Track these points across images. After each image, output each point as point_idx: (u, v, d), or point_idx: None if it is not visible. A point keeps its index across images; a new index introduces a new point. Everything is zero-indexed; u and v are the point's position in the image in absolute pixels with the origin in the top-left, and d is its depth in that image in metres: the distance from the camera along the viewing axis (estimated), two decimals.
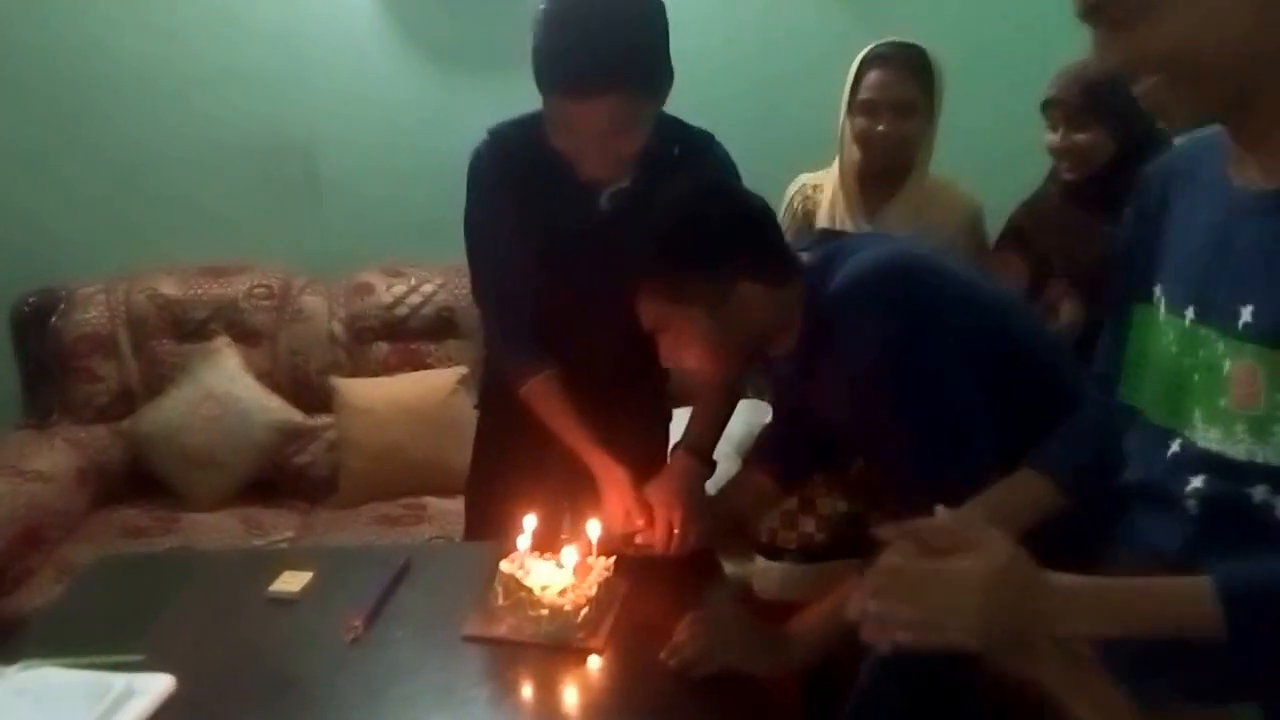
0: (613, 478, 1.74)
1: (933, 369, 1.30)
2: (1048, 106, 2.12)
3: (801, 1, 3.11)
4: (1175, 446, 1.02)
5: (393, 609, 1.62)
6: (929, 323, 1.30)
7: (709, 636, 1.42)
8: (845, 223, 2.29)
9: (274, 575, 1.68)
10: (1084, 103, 2.05)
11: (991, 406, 1.32)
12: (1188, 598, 0.91)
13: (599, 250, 1.66)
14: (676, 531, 1.67)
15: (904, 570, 0.95)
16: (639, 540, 1.68)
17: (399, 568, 1.72)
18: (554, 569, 1.55)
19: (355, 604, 1.59)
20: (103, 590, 1.77)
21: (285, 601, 1.64)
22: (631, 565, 1.64)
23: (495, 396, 1.98)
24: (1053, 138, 2.13)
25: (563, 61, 1.49)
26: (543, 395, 1.79)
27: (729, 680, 1.40)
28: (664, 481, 1.74)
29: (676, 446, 1.81)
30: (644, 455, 1.84)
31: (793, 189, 2.41)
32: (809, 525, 2.24)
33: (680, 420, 2.02)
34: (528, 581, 1.52)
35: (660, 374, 2.01)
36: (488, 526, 1.94)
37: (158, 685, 1.39)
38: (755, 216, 1.42)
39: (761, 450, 1.75)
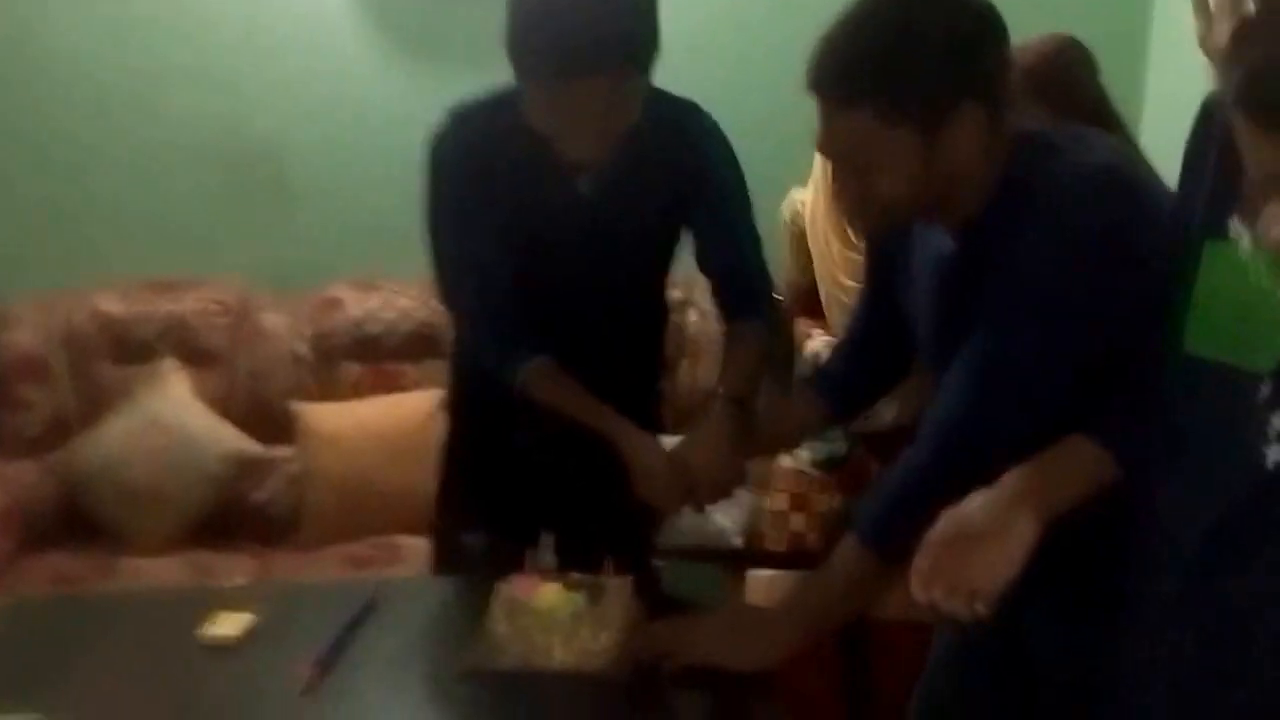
0: (644, 444, 1.63)
1: (1103, 302, 1.17)
2: None
3: None
4: (1266, 390, 0.98)
5: (355, 654, 1.44)
6: (1134, 258, 1.15)
7: (687, 625, 1.40)
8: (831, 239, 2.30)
9: (210, 619, 1.50)
10: (1020, 86, 2.04)
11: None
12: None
13: (579, 237, 1.64)
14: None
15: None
16: (689, 507, 1.63)
17: (362, 606, 1.53)
18: (562, 591, 1.44)
19: (306, 649, 1.40)
20: (11, 639, 1.58)
21: (220, 649, 1.45)
22: (648, 586, 1.55)
23: (463, 408, 1.86)
24: None
25: (549, 42, 1.44)
26: (544, 378, 1.66)
27: (768, 697, 1.36)
28: (705, 436, 1.62)
29: (714, 393, 1.70)
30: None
31: (784, 205, 2.42)
32: (800, 524, 2.21)
33: None
34: (534, 605, 1.41)
35: (652, 364, 1.91)
36: (459, 557, 1.79)
37: None
38: (986, 23, 1.24)
39: (820, 375, 1.70)
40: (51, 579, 2.61)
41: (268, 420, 2.88)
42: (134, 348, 2.90)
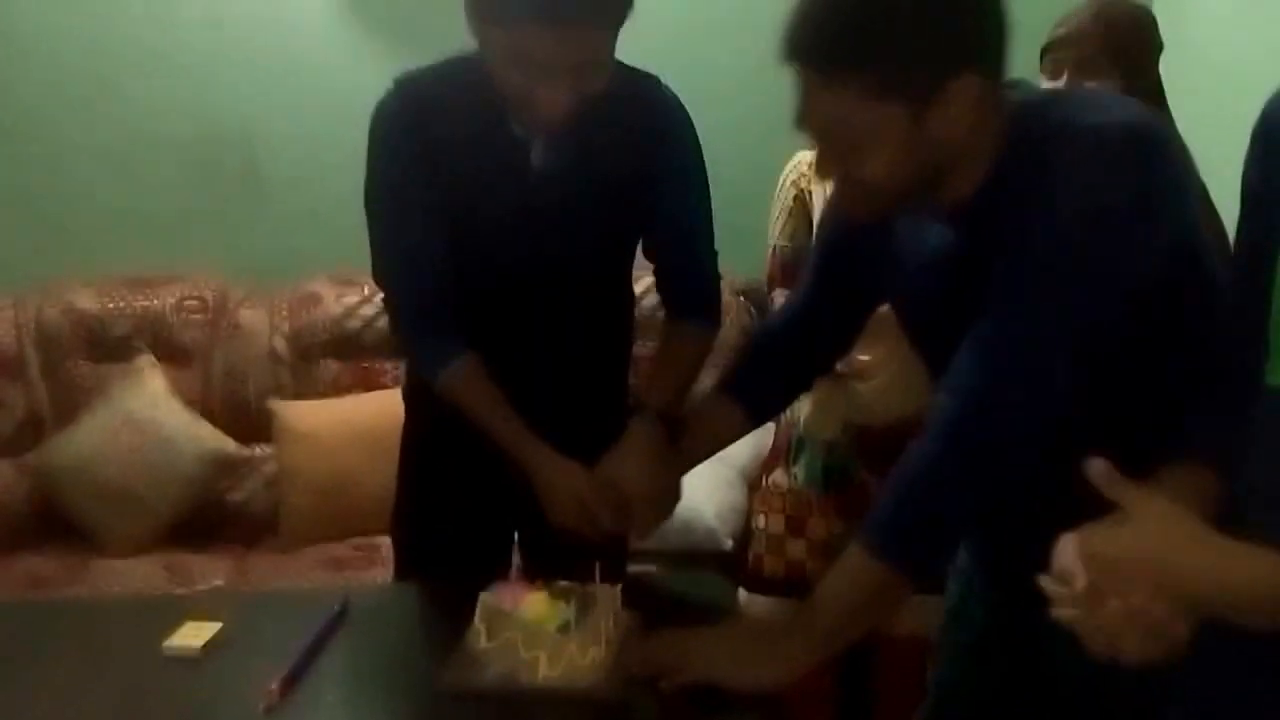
0: (556, 465, 1.53)
1: (1124, 266, 1.06)
2: (1055, 47, 1.91)
3: None
4: None
5: (324, 668, 1.35)
6: (1156, 218, 1.06)
7: (686, 640, 1.27)
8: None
9: (175, 628, 1.41)
10: (1103, 44, 1.86)
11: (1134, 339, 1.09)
12: None
13: (531, 212, 1.52)
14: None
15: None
16: (609, 528, 1.49)
17: (333, 614, 1.45)
18: (549, 601, 1.34)
19: (273, 661, 1.31)
20: None
21: (183, 661, 1.36)
22: (640, 593, 1.44)
23: (422, 403, 1.71)
24: (1054, 85, 1.91)
25: None
26: (463, 382, 1.57)
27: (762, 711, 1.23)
28: (634, 453, 1.52)
29: (637, 409, 1.59)
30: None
31: (789, 168, 2.18)
32: (798, 550, 2.06)
33: None
34: (519, 617, 1.31)
35: (618, 355, 1.76)
36: (424, 565, 1.71)
37: None
38: None
39: (734, 378, 1.54)
40: (24, 581, 2.54)
41: (245, 419, 2.82)
42: (109, 345, 2.84)
